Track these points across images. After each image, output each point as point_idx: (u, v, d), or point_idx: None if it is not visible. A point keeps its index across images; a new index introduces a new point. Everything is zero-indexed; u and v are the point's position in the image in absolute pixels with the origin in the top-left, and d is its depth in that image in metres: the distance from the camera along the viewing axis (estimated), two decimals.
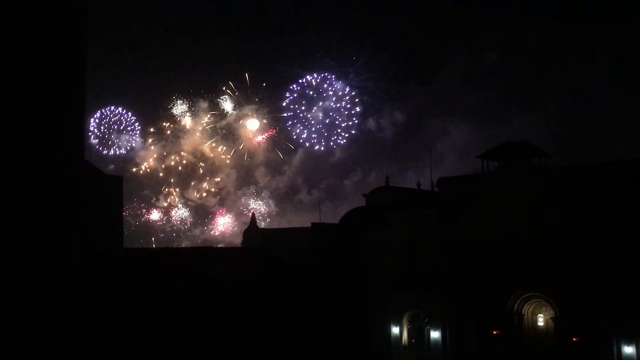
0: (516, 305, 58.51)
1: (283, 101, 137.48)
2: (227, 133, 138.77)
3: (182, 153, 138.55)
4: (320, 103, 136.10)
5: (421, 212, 63.41)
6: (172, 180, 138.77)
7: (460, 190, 63.84)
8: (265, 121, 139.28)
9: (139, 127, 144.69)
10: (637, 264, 52.53)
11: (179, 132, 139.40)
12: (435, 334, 61.50)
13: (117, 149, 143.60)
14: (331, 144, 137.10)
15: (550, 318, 57.44)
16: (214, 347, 58.92)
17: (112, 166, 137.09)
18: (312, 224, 70.94)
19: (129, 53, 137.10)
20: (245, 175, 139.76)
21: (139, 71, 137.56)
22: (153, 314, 58.06)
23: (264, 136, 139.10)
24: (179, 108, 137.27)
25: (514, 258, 58.17)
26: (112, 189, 66.12)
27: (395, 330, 63.60)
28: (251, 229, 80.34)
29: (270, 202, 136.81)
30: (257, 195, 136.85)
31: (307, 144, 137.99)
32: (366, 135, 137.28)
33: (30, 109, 41.13)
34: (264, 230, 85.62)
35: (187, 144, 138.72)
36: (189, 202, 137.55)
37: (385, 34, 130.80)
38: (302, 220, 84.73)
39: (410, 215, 63.82)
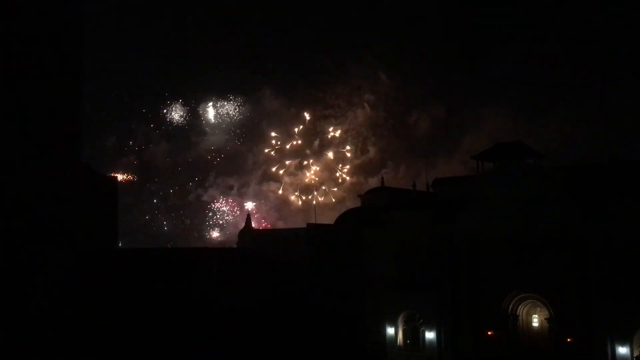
0: (511, 305, 58.77)
1: (321, 95, 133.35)
2: (256, 129, 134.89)
3: (203, 148, 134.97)
4: (365, 95, 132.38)
5: (416, 213, 63.69)
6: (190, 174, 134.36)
7: (455, 190, 64.07)
8: (298, 111, 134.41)
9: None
10: (631, 264, 52.80)
11: (205, 127, 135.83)
12: (430, 335, 61.75)
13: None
14: (366, 141, 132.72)
15: (545, 319, 57.71)
16: (208, 349, 58.91)
17: (133, 165, 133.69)
18: (307, 224, 70.99)
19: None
20: (270, 170, 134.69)
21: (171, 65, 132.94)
22: (144, 314, 58.06)
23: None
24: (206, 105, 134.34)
25: (509, 259, 58.37)
26: (107, 189, 66.50)
27: (390, 330, 63.82)
28: (246, 230, 79.87)
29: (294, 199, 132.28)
30: (279, 191, 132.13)
31: (340, 140, 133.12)
32: (403, 129, 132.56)
33: (26, 110, 41.13)
34: (259, 230, 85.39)
35: (212, 140, 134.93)
36: (205, 200, 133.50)
37: (430, 24, 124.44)
38: (324, 219, 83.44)
39: (405, 216, 64.06)
